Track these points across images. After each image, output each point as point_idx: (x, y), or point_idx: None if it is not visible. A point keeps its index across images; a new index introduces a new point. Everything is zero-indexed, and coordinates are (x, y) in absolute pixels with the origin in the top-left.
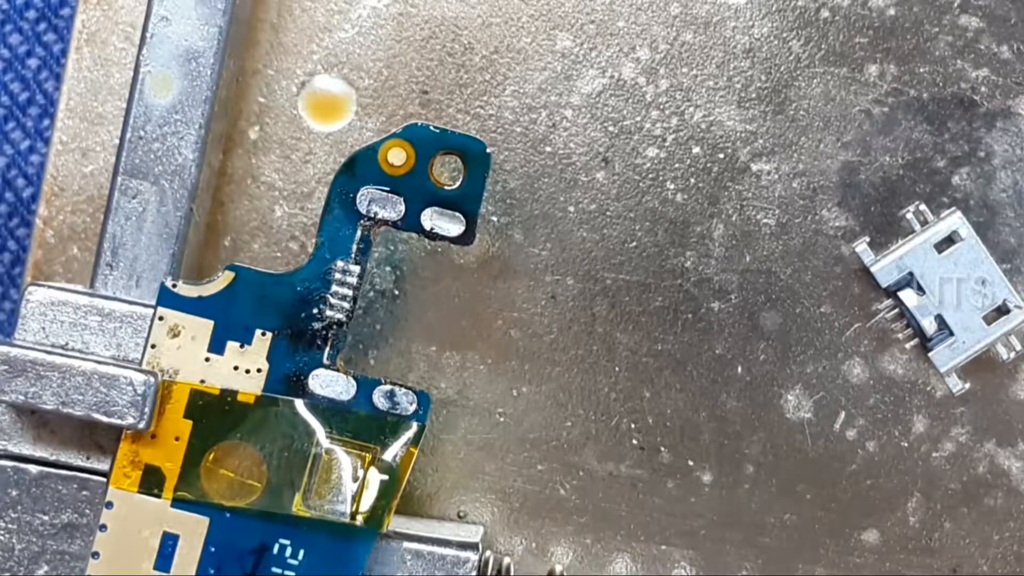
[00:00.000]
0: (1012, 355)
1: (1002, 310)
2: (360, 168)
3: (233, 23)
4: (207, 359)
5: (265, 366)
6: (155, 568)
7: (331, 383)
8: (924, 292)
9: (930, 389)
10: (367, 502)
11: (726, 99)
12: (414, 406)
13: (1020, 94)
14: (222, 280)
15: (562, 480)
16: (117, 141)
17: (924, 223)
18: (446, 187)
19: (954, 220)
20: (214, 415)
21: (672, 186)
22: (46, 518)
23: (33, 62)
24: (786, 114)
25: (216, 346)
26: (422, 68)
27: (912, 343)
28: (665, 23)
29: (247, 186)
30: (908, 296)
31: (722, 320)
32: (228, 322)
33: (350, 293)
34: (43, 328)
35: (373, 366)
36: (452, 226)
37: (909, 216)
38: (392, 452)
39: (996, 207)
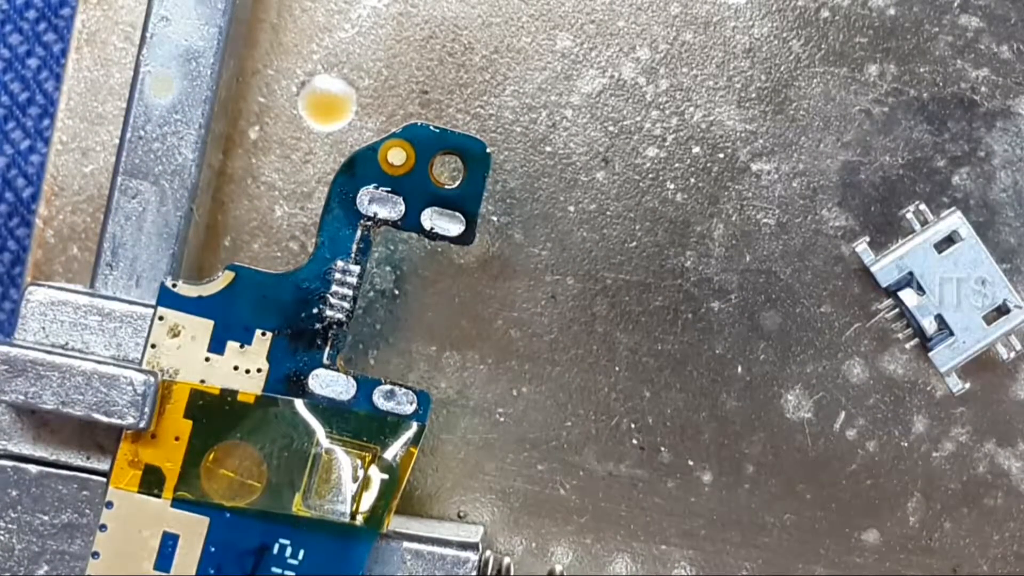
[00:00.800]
0: (1012, 355)
1: (1002, 310)
2: (360, 168)
3: (233, 23)
4: (207, 359)
5: (265, 366)
6: (155, 568)
7: (331, 383)
8: (924, 292)
9: (930, 389)
10: (367, 502)
11: (726, 99)
12: (414, 406)
13: (1020, 94)
14: (222, 280)
15: (562, 480)
16: (117, 141)
17: (924, 223)
18: (446, 187)
19: (954, 220)
20: (214, 415)
21: (672, 186)
22: (46, 518)
23: (33, 62)
24: (786, 114)
25: (216, 346)
26: (422, 68)
27: (912, 343)
28: (665, 23)
29: (247, 186)
30: (908, 296)
31: (722, 320)
32: (228, 322)
33: (350, 293)
34: (43, 328)
35: (373, 366)
36: (452, 226)
37: (909, 216)
38: (392, 452)
39: (996, 207)
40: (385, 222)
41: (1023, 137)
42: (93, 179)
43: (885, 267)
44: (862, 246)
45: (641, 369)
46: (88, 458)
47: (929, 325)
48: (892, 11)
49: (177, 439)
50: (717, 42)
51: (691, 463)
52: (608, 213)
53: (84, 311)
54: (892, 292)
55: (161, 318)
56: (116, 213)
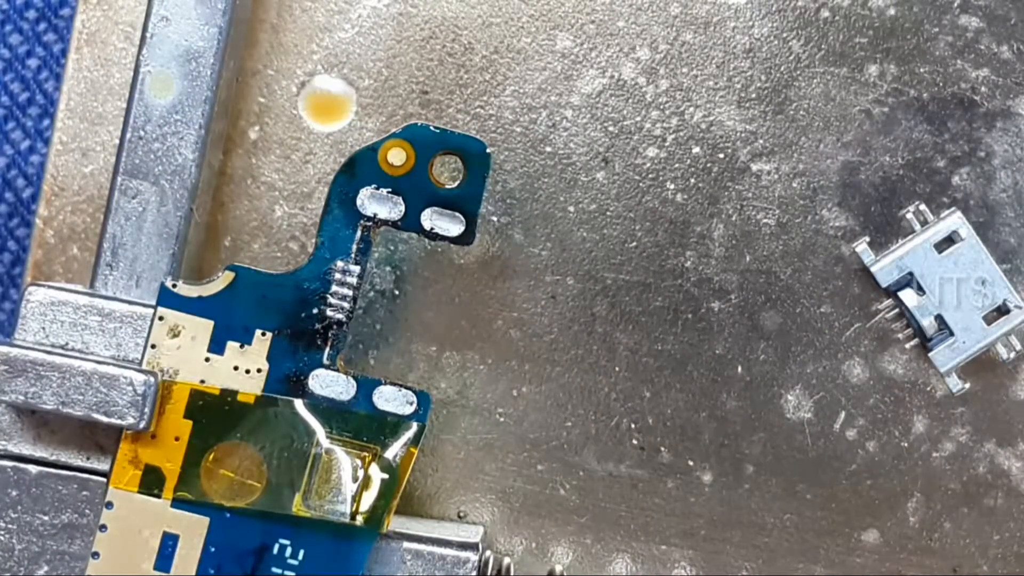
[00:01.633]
0: (1012, 355)
1: (1002, 310)
2: (360, 168)
3: (233, 23)
4: (207, 359)
5: (265, 366)
6: (155, 568)
7: (331, 383)
8: (924, 292)
9: (930, 389)
10: (367, 502)
11: (726, 99)
12: (414, 406)
13: (1020, 94)
14: (222, 280)
15: (562, 480)
16: (117, 141)
17: (924, 223)
18: (446, 187)
19: (954, 220)
20: (214, 415)
21: (672, 186)
22: (46, 518)
23: (33, 62)
24: (786, 114)
25: (216, 346)
26: (422, 68)
27: (912, 343)
28: (665, 23)
29: (247, 186)
30: (908, 296)
31: (722, 320)
32: (228, 322)
33: (350, 293)
34: (43, 328)
35: (373, 366)
36: (452, 226)
37: (909, 216)
38: (392, 452)
39: (996, 207)
40: (385, 222)
41: (1023, 137)
42: (93, 179)
43: (885, 267)
44: (862, 246)
45: (641, 369)
46: (88, 458)
47: (929, 325)
48: (892, 11)
49: (177, 439)
50: (717, 42)
51: (691, 463)
52: (608, 213)
53: (84, 311)
54: (892, 292)
55: (161, 318)
56: (116, 213)
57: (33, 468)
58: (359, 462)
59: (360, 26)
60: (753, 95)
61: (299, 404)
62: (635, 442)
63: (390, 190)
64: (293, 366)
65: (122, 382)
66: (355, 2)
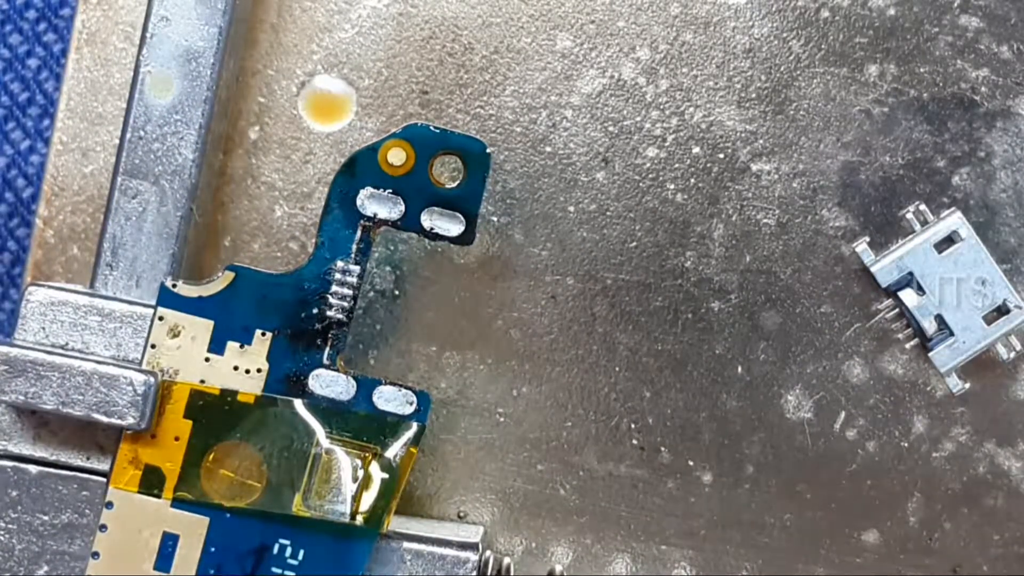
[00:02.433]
0: (1012, 355)
1: (1002, 310)
2: (360, 168)
3: (233, 23)
4: (207, 359)
5: (265, 366)
6: (155, 568)
7: (331, 383)
8: (924, 292)
9: (930, 389)
10: (367, 502)
11: (726, 99)
12: (414, 406)
13: (1020, 94)
14: (222, 280)
15: (562, 480)
16: (117, 141)
17: (924, 223)
18: (446, 187)
19: (954, 220)
20: (214, 415)
21: (672, 186)
22: (46, 518)
23: (33, 62)
24: (786, 114)
25: (216, 346)
26: (422, 68)
27: (912, 343)
28: (665, 23)
29: (247, 186)
30: (908, 296)
31: (722, 320)
32: (228, 322)
33: (350, 293)
34: (43, 328)
35: (373, 366)
36: (452, 226)
37: (909, 216)
38: (392, 452)
39: (996, 207)
40: (385, 222)
41: (1023, 137)
42: (93, 179)
43: (885, 267)
44: (862, 246)
45: (641, 369)
46: (88, 458)
47: (929, 325)
48: (892, 11)
49: (177, 439)
50: (717, 42)
51: (691, 463)
52: (608, 213)
53: (84, 311)
54: (892, 292)
55: (161, 318)
56: (116, 213)
57: (33, 468)
58: (359, 462)
59: (360, 26)
60: (753, 95)
61: (299, 404)
62: (635, 442)
63: (390, 190)
64: (293, 366)
65: (122, 382)
66: (355, 2)
